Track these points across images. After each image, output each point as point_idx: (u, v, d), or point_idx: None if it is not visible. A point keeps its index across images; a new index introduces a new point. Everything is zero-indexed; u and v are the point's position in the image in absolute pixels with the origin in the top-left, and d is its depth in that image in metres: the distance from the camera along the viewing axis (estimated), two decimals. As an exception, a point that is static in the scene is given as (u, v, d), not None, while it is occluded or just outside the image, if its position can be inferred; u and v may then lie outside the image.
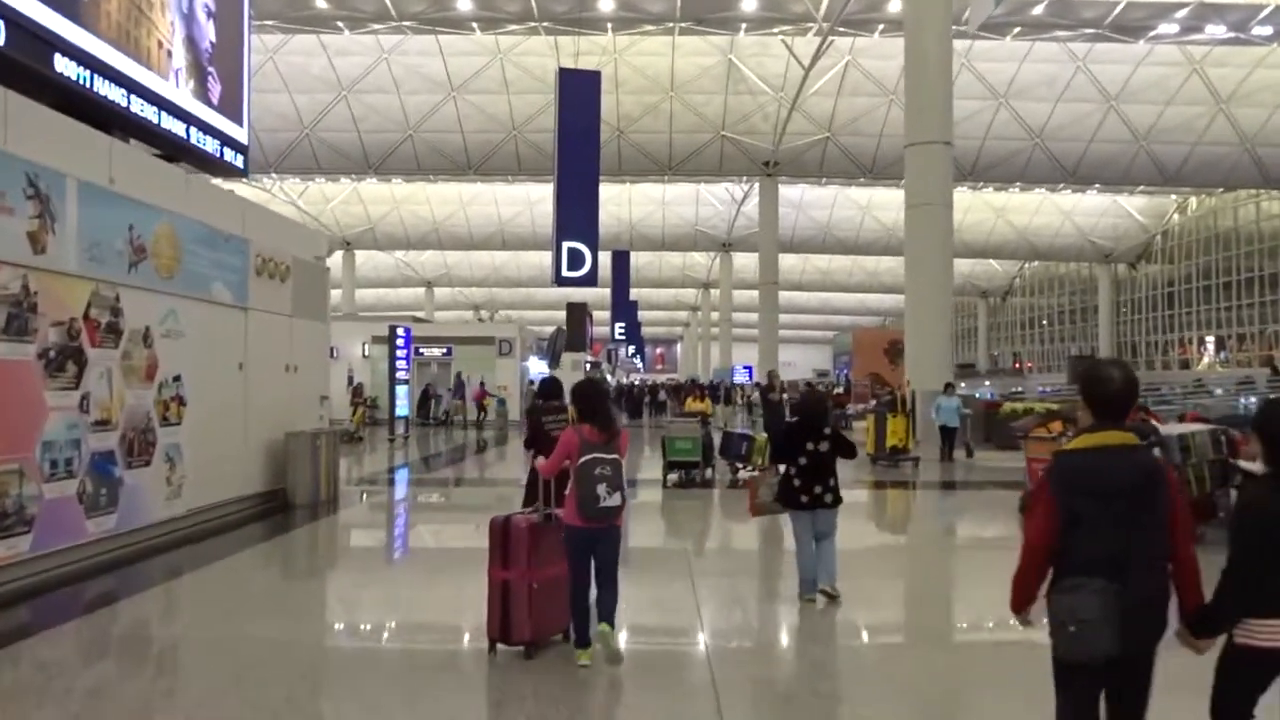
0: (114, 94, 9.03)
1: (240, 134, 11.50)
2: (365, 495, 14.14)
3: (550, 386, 8.51)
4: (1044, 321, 62.31)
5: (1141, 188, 43.04)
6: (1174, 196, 47.17)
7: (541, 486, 5.86)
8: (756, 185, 43.62)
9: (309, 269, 13.20)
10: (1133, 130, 36.74)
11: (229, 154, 11.22)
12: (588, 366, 45.73)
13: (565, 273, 21.13)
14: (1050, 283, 61.17)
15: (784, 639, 6.89)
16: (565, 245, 21.24)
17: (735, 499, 13.96)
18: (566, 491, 5.44)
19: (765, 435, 15.10)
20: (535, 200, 48.57)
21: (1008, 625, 7.52)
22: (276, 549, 10.03)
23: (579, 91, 21.48)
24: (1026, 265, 61.04)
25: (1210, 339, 46.45)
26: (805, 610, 7.08)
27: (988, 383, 48.44)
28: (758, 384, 34.99)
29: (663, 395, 38.10)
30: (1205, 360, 46.68)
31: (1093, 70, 35.06)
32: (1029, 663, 4.26)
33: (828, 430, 7.49)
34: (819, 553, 7.28)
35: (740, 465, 15.36)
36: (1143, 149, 37.31)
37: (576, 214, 21.30)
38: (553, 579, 5.64)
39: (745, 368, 60.05)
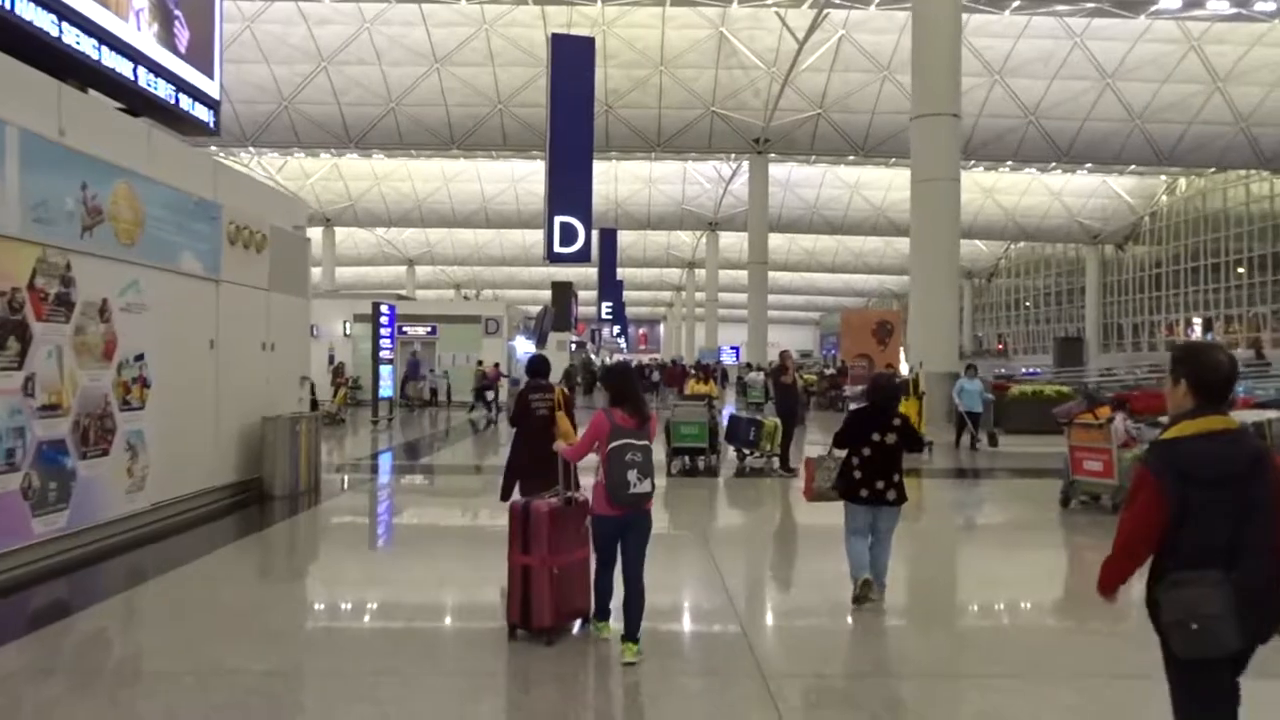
0: (67, 35, 7.84)
1: (210, 87, 10.29)
2: (349, 483, 13.04)
3: (537, 364, 8.08)
4: (1028, 303, 61.67)
5: (1133, 168, 42.27)
6: (1163, 178, 46.44)
7: (562, 469, 5.75)
8: (744, 164, 42.61)
9: (288, 239, 12.04)
10: (1128, 108, 35.84)
11: (197, 109, 10.01)
12: (573, 346, 44.64)
13: (558, 248, 19.91)
14: (1036, 264, 60.49)
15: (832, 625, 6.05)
16: (557, 219, 20.00)
17: (746, 487, 13.01)
18: (596, 479, 5.26)
19: (774, 420, 14.12)
20: (520, 177, 47.34)
21: (1073, 616, 6.69)
22: (253, 547, 8.95)
23: (572, 57, 20.23)
24: (1012, 246, 60.30)
25: (1198, 320, 45.86)
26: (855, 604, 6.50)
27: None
28: (748, 364, 34.07)
29: (655, 375, 37.03)
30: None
31: (1090, 47, 34.08)
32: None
33: (897, 420, 6.65)
34: (875, 552, 6.69)
35: (748, 451, 14.38)
36: (1138, 128, 36.43)
37: (570, 186, 20.10)
38: (573, 564, 5.62)
39: (732, 348, 59.20)
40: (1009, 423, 19.64)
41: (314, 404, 15.14)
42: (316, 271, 54.28)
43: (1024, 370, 47.43)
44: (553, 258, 20.41)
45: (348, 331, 28.42)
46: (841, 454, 6.73)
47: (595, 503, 5.30)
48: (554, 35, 20.97)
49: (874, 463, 6.48)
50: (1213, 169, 42.11)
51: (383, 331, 20.48)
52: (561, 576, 5.49)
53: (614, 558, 5.32)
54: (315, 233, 52.31)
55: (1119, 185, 47.49)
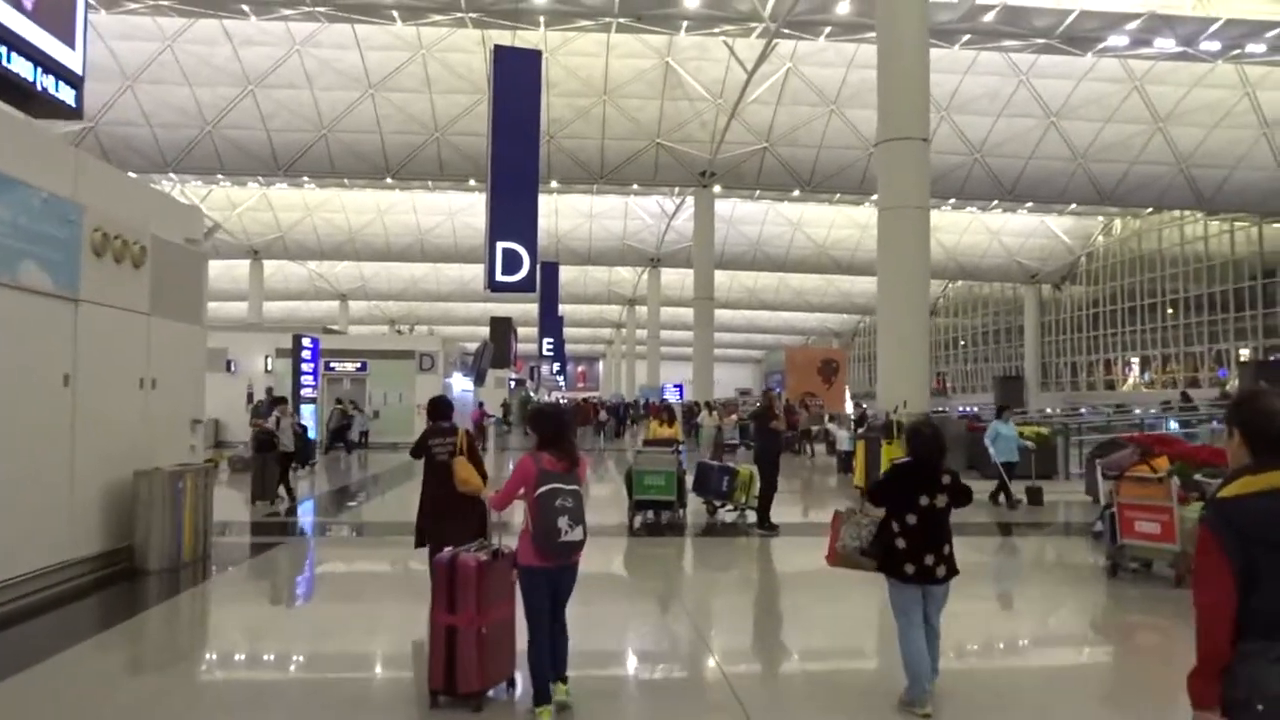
0: None
1: (72, 60, 8.05)
2: (252, 548, 10.71)
3: (439, 406, 7.47)
4: (962, 342, 61.04)
5: (1074, 207, 41.72)
6: (1100, 218, 46.11)
7: (488, 518, 5.52)
8: (688, 199, 41.11)
9: (178, 255, 9.82)
10: (1071, 147, 35.14)
11: (51, 84, 7.77)
12: (512, 384, 42.43)
13: (500, 277, 17.93)
14: (974, 303, 59.96)
15: None
16: (500, 245, 18.05)
17: (720, 546, 11.06)
18: (523, 527, 4.88)
19: (750, 469, 12.20)
20: (457, 210, 45.21)
21: None
22: (114, 644, 6.67)
23: (517, 72, 18.35)
24: (950, 285, 59.72)
25: (1135, 360, 45.38)
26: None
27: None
28: (695, 403, 32.17)
29: (604, 415, 34.93)
30: (1130, 381, 45.59)
31: (1035, 85, 33.33)
32: None
33: (946, 478, 5.26)
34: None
35: (718, 504, 12.42)
36: (1081, 166, 35.75)
37: (513, 211, 18.14)
38: (501, 621, 5.24)
39: (676, 386, 57.41)
40: (986, 466, 17.99)
41: (270, 443, 14.28)
42: (242, 305, 51.36)
43: (960, 410, 46.44)
44: (494, 286, 18.37)
45: (269, 367, 25.90)
46: (879, 513, 5.41)
47: (522, 553, 4.85)
48: (497, 47, 19.07)
49: (921, 532, 5.18)
50: (1150, 210, 41.78)
51: (304, 367, 18.14)
52: (489, 635, 5.07)
53: (546, 610, 4.86)
54: (242, 265, 49.58)
55: (1057, 225, 47.04)
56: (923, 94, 18.63)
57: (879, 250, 19.29)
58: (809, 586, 9.00)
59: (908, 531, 5.17)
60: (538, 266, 18.90)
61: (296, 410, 18.62)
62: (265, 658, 6.57)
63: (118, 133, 34.02)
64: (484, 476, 6.93)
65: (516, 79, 18.35)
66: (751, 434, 14.50)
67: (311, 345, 18.66)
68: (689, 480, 12.46)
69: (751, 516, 12.04)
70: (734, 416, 25.48)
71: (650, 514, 11.86)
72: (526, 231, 18.32)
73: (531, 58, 19.01)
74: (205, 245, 40.73)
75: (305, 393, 18.18)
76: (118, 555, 8.53)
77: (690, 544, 11.14)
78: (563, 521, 4.69)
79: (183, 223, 10.07)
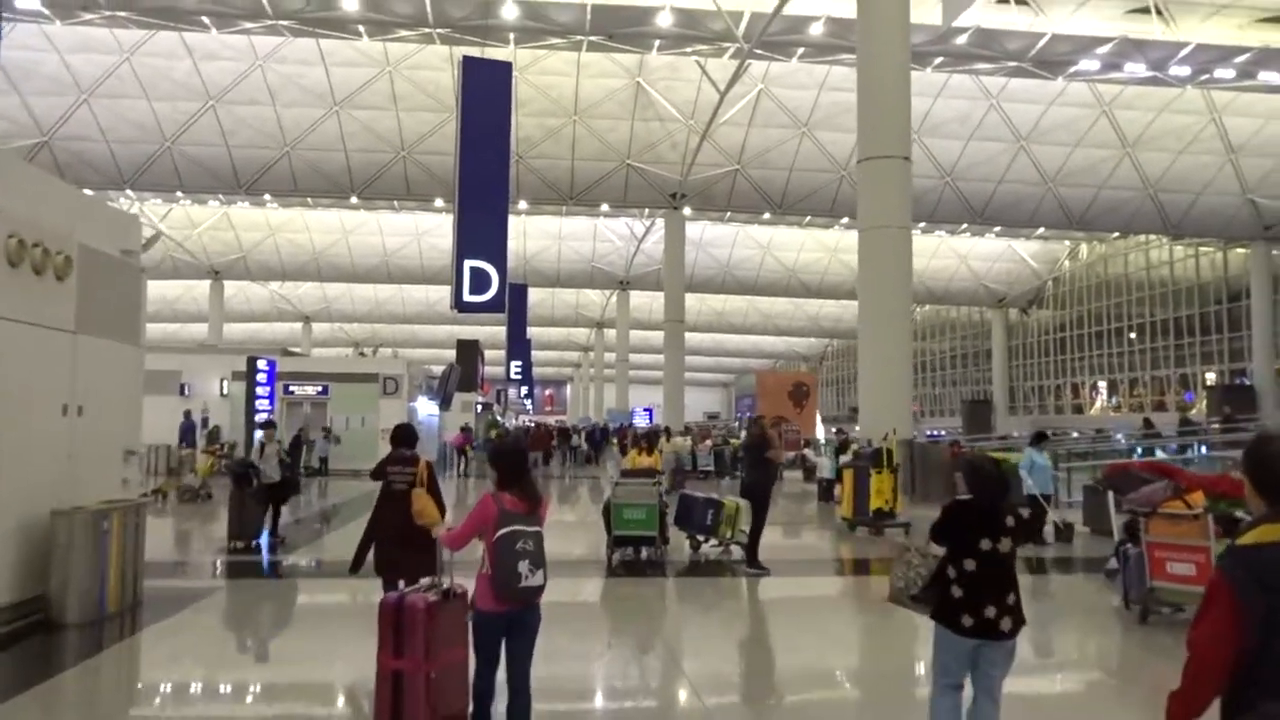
0: None
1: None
2: (192, 594, 9.55)
3: (402, 433, 7.29)
4: (932, 367, 60.71)
5: (1041, 231, 41.56)
6: (1067, 243, 46.02)
7: (439, 556, 5.20)
8: (658, 221, 40.43)
9: (111, 266, 8.80)
10: (1041, 171, 34.88)
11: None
12: (478, 408, 41.29)
13: (468, 296, 16.99)
14: (941, 326, 59.72)
15: None
16: (468, 264, 17.12)
17: (705, 587, 10.16)
18: (480, 570, 4.54)
19: (736, 502, 11.31)
20: (424, 230, 44.15)
21: None
22: (18, 715, 5.63)
23: (487, 84, 17.48)
24: (918, 309, 59.45)
25: (1102, 384, 45.17)
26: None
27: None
28: (666, 428, 31.20)
29: (575, 440, 33.87)
30: (1098, 405, 45.36)
31: (1005, 109, 33.04)
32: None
33: (1011, 519, 4.50)
34: (974, 711, 4.53)
35: (701, 539, 11.52)
36: (1050, 190, 35.49)
37: (481, 228, 17.24)
38: (452, 665, 4.84)
39: (645, 410, 56.49)
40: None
41: (247, 475, 12.60)
42: (202, 328, 49.83)
43: (929, 433, 45.94)
44: (462, 307, 17.40)
45: (224, 391, 24.68)
46: (939, 551, 4.68)
47: (479, 597, 4.59)
48: (466, 58, 18.18)
49: (982, 580, 4.43)
50: (1116, 235, 41.72)
51: (259, 390, 17.03)
52: (439, 681, 4.78)
53: (497, 657, 4.60)
54: (203, 285, 48.09)
55: (1024, 250, 46.87)
56: (903, 111, 18.04)
57: (860, 271, 18.62)
58: (807, 634, 8.12)
59: (966, 579, 4.42)
60: (506, 286, 17.96)
61: (296, 441, 17.53)
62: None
63: (73, 148, 32.72)
64: (441, 510, 6.57)
65: (486, 91, 17.48)
66: (739, 463, 13.48)
67: (268, 368, 17.54)
68: (672, 513, 11.55)
69: (737, 552, 11.15)
70: (708, 442, 24.64)
71: (630, 550, 10.93)
72: (495, 249, 17.42)
73: (502, 70, 18.17)
74: (164, 259, 38.67)
75: (260, 417, 17.02)
76: (30, 606, 7.45)
77: (672, 584, 10.21)
78: (523, 566, 4.44)
79: (118, 232, 9.04)
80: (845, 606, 9.68)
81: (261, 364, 17.42)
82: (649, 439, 12.89)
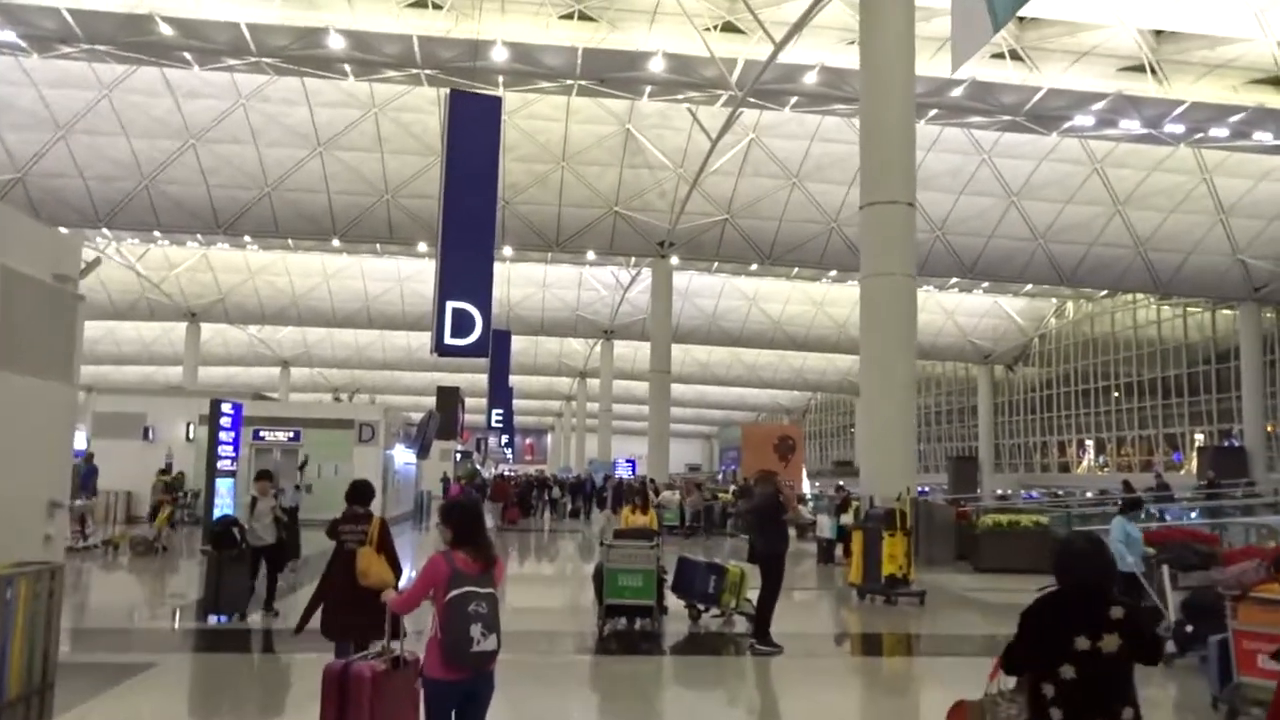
0: None
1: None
2: (121, 670, 8.10)
3: (357, 490, 7.09)
4: (917, 423, 59.78)
5: (1029, 288, 41.04)
6: (1054, 300, 45.49)
7: (390, 621, 4.76)
8: (644, 271, 39.59)
9: (40, 293, 7.61)
10: (1032, 227, 34.31)
11: None
12: (458, 456, 39.94)
13: (449, 339, 15.83)
14: (926, 382, 58.95)
15: None
16: (450, 305, 15.99)
17: (708, 669, 8.92)
18: (430, 634, 4.23)
19: (741, 567, 10.13)
20: (406, 276, 43.11)
21: None
22: None
23: (475, 117, 16.51)
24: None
25: (1089, 442, 44.33)
26: None
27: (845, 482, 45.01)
28: (650, 479, 29.94)
29: (557, 491, 32.45)
30: (1085, 463, 44.48)
31: (997, 164, 32.52)
32: None
33: (1118, 611, 3.45)
34: None
35: (701, 608, 10.30)
36: (1041, 246, 34.89)
37: (465, 267, 16.15)
38: None
39: (628, 461, 55.15)
40: (977, 560, 16.12)
41: (229, 535, 10.57)
42: (177, 371, 48.34)
43: (919, 489, 44.91)
44: (443, 350, 16.22)
45: (191, 435, 23.31)
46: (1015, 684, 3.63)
47: (428, 664, 4.21)
48: (453, 92, 17.27)
49: (1083, 691, 3.38)
50: (1104, 293, 41.23)
51: (223, 435, 15.75)
52: None
53: None
54: (180, 328, 46.76)
55: (1010, 306, 46.30)
56: (908, 154, 17.24)
57: (862, 320, 17.61)
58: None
59: (1064, 692, 3.37)
60: (490, 329, 16.83)
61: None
62: None
63: (48, 184, 31.59)
64: (396, 571, 6.46)
65: (473, 125, 16.51)
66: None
67: (233, 411, 16.27)
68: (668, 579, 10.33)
69: (740, 623, 9.95)
70: (694, 496, 23.42)
71: (623, 620, 9.70)
72: (480, 291, 16.31)
73: (490, 104, 17.24)
74: (139, 299, 37.13)
75: (223, 465, 15.71)
76: (-86, 691, 6.15)
77: (671, 663, 8.98)
78: (475, 629, 4.15)
79: (50, 255, 7.82)
80: (875, 695, 8.44)
81: (226, 407, 16.11)
82: (643, 496, 11.68)
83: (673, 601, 10.36)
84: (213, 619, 10.28)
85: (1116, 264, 35.22)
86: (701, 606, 10.24)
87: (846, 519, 16.60)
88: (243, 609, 10.36)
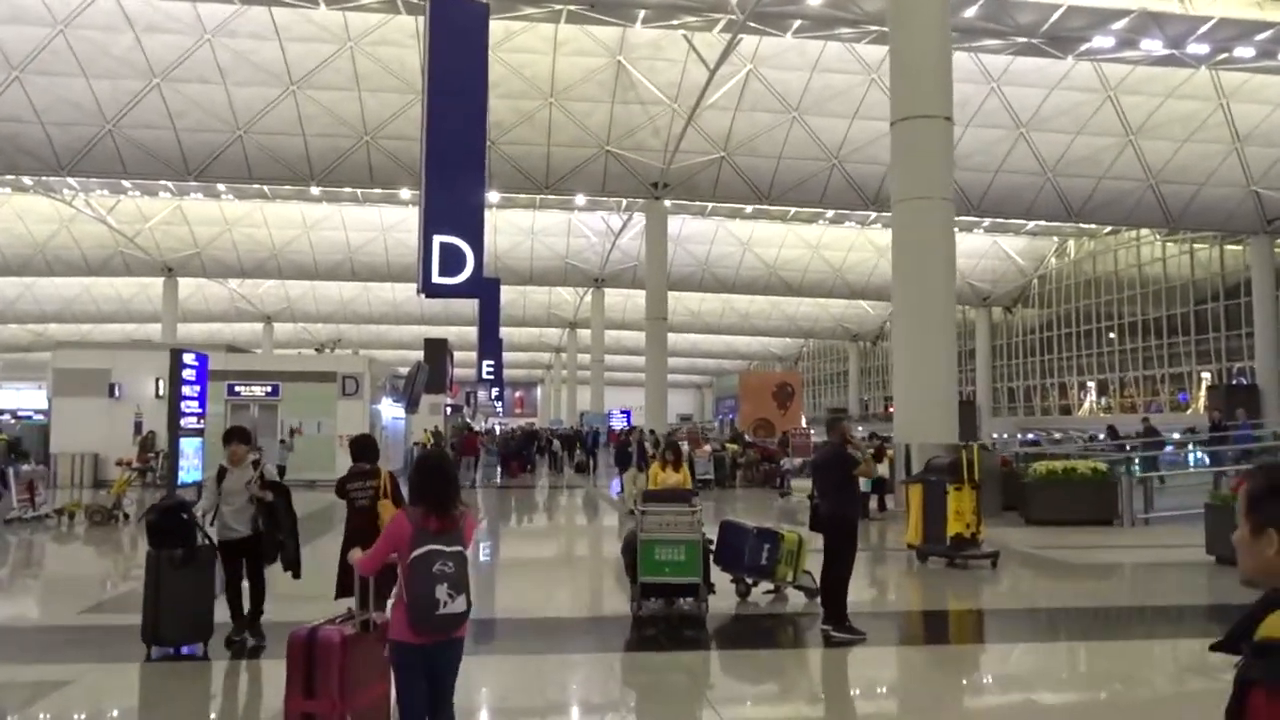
0: None
1: None
2: (32, 691, 6.15)
3: (360, 446, 7.04)
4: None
5: (1031, 226, 39.16)
6: (1054, 239, 43.60)
7: (358, 584, 4.56)
8: (635, 216, 37.40)
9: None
10: (1041, 160, 32.25)
11: None
12: (447, 410, 37.94)
13: (437, 278, 13.64)
14: (921, 326, 57.33)
15: None
16: (437, 240, 13.75)
17: (773, 666, 7.03)
18: (392, 596, 4.00)
19: (796, 534, 8.24)
20: (389, 226, 40.78)
21: None
22: None
23: (459, 27, 14.19)
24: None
25: (1092, 384, 42.73)
26: None
27: (860, 428, 43.35)
28: (652, 431, 28.04)
29: (556, 445, 30.51)
30: (1087, 405, 42.93)
31: (1005, 93, 30.35)
32: None
33: None
34: None
35: (750, 582, 8.41)
36: (1049, 181, 32.87)
37: (454, 196, 13.90)
38: (371, 705, 4.40)
39: (624, 412, 53.28)
40: (1028, 511, 14.33)
41: (181, 523, 6.80)
42: (155, 328, 45.99)
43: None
44: (430, 290, 13.98)
45: (160, 392, 21.21)
46: None
47: (395, 627, 3.89)
48: (434, -2, 15.00)
49: None
50: (1107, 230, 39.42)
51: (186, 390, 13.68)
52: None
53: (424, 706, 3.88)
54: (155, 283, 44.36)
55: (1010, 246, 44.38)
56: (944, 64, 15.12)
57: (895, 250, 15.67)
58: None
59: None
60: (482, 267, 14.73)
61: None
62: None
63: (4, 130, 29.10)
64: None
65: (458, 35, 14.23)
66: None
67: (197, 364, 14.18)
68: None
69: (794, 598, 8.10)
70: (707, 447, 21.59)
71: (658, 601, 7.80)
72: (470, 222, 14.09)
73: (478, 11, 14.92)
74: (113, 254, 34.38)
75: (187, 423, 13.66)
76: None
77: (722, 659, 7.09)
78: (441, 590, 3.77)
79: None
80: (1044, 697, 6.43)
81: (189, 358, 14.02)
82: (675, 451, 9.67)
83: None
84: (156, 651, 6.61)
85: (1126, 198, 33.26)
86: (749, 580, 8.36)
87: (883, 469, 14.75)
88: (202, 636, 6.73)
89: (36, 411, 25.06)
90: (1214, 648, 1.83)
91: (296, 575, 6.81)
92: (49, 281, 48.03)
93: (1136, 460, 16.52)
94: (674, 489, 8.57)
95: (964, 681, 6.81)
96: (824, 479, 7.47)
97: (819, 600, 7.55)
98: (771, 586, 8.34)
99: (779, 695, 6.35)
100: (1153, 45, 26.23)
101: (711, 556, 8.14)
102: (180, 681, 6.34)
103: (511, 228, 41.64)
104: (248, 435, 7.46)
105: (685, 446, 20.48)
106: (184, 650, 6.62)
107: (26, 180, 34.78)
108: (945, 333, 14.95)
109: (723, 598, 8.17)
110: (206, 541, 6.85)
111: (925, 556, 10.60)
